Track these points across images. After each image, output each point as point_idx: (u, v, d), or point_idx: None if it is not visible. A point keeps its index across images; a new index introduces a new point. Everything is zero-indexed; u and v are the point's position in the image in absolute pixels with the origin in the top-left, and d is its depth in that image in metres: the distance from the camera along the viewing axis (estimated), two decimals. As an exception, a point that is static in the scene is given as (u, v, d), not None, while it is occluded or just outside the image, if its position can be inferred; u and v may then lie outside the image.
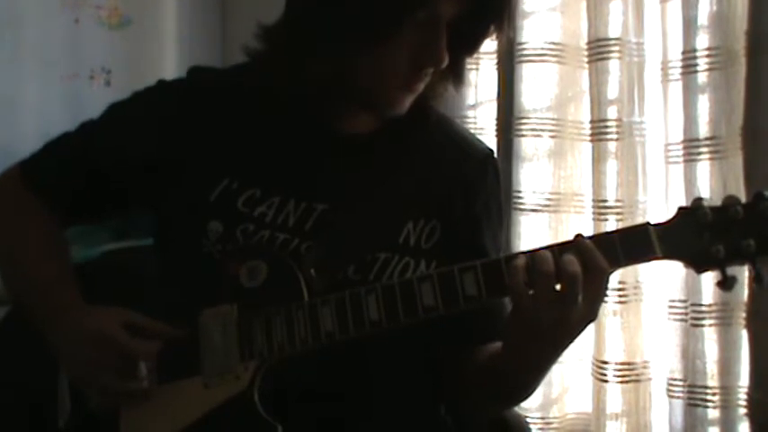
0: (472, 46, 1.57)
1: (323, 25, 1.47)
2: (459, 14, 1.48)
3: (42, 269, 1.60)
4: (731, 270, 1.37)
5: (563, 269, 1.34)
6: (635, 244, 1.37)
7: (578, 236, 1.39)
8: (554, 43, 2.41)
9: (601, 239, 1.38)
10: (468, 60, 1.60)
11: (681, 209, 1.39)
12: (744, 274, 1.47)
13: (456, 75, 1.58)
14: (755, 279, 1.36)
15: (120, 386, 1.48)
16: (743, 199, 2.02)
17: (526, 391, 1.56)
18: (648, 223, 1.39)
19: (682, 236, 1.37)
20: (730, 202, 1.38)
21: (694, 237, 1.37)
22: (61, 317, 1.52)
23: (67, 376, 1.55)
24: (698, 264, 1.38)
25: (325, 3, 1.48)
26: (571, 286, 1.34)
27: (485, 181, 1.66)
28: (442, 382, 1.65)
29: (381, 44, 1.46)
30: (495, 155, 1.74)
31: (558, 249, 1.37)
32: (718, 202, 2.04)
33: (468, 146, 1.68)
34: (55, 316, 1.53)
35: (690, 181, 2.12)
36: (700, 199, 1.39)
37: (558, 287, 1.35)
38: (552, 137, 2.42)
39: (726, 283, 1.37)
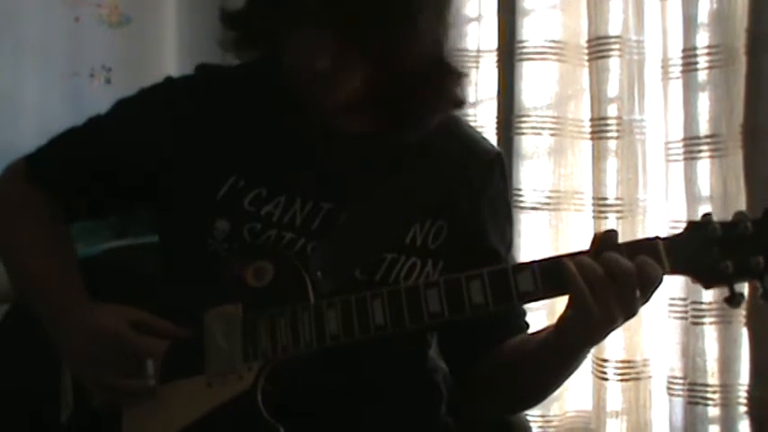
0: (377, 51, 1.47)
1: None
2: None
3: (47, 265, 1.60)
4: (738, 286, 1.37)
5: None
6: None
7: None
8: (554, 41, 2.41)
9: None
10: (467, 56, 1.59)
11: (690, 223, 1.40)
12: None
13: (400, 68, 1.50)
14: (763, 296, 1.36)
15: (124, 384, 1.48)
16: (743, 196, 2.05)
17: (557, 383, 1.56)
18: (658, 237, 1.39)
19: (690, 250, 1.38)
20: (740, 218, 1.38)
21: (703, 252, 1.37)
22: (66, 313, 1.52)
23: (71, 373, 1.55)
24: (706, 279, 1.39)
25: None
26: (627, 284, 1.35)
27: (491, 181, 1.65)
28: (458, 382, 1.65)
29: (270, 51, 1.50)
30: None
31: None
32: (718, 200, 2.07)
33: (474, 145, 1.67)
34: (60, 312, 1.53)
35: (690, 179, 2.12)
36: (708, 214, 1.39)
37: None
38: (552, 135, 2.42)
39: (734, 300, 1.38)
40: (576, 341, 1.43)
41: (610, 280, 1.35)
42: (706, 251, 1.37)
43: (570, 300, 1.38)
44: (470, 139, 1.68)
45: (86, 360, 1.50)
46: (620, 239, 1.41)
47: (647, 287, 1.36)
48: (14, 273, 1.66)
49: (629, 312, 1.37)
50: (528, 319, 1.64)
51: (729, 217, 1.39)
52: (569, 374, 1.51)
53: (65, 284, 1.57)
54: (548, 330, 1.48)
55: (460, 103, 1.60)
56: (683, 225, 2.07)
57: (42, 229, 1.63)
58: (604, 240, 1.39)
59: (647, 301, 1.38)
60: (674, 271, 1.38)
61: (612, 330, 1.40)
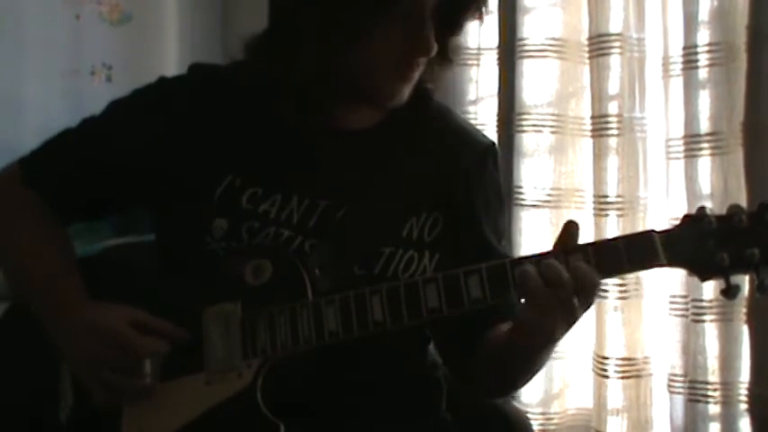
0: (456, 28, 1.58)
1: (306, 23, 1.49)
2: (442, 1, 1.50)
3: (45, 265, 1.60)
4: (734, 278, 1.38)
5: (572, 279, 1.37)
6: (639, 251, 1.38)
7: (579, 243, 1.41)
8: (555, 39, 2.41)
9: (605, 246, 1.40)
10: (468, 54, 1.61)
11: (686, 216, 1.40)
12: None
13: (443, 57, 1.58)
14: (758, 288, 1.37)
15: (123, 383, 1.48)
16: (744, 193, 2.05)
17: (530, 374, 1.58)
18: (653, 231, 1.40)
19: (686, 243, 1.38)
20: (734, 211, 1.38)
21: (699, 245, 1.38)
22: (65, 313, 1.52)
23: (71, 372, 1.55)
24: (702, 271, 1.39)
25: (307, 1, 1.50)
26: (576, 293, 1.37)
27: (484, 172, 1.66)
28: (456, 371, 1.67)
29: (367, 38, 1.47)
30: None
31: (564, 255, 1.39)
32: (719, 198, 2.07)
33: (467, 137, 1.69)
34: (59, 312, 1.53)
35: (690, 177, 2.12)
36: (703, 207, 1.40)
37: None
38: (553, 132, 2.42)
39: (730, 292, 1.38)
40: (527, 342, 1.45)
41: (548, 288, 1.36)
42: (702, 244, 1.38)
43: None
44: (463, 131, 1.69)
45: (86, 359, 1.50)
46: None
47: (585, 294, 1.37)
48: (13, 273, 1.66)
49: (570, 319, 1.39)
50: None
51: (729, 214, 1.39)
52: (540, 365, 1.54)
53: (64, 284, 1.57)
54: (509, 328, 1.50)
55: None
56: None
57: (40, 230, 1.63)
58: (567, 241, 1.41)
59: (587, 307, 1.39)
60: (670, 264, 1.39)
61: (558, 335, 1.42)
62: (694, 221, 1.39)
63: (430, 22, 1.49)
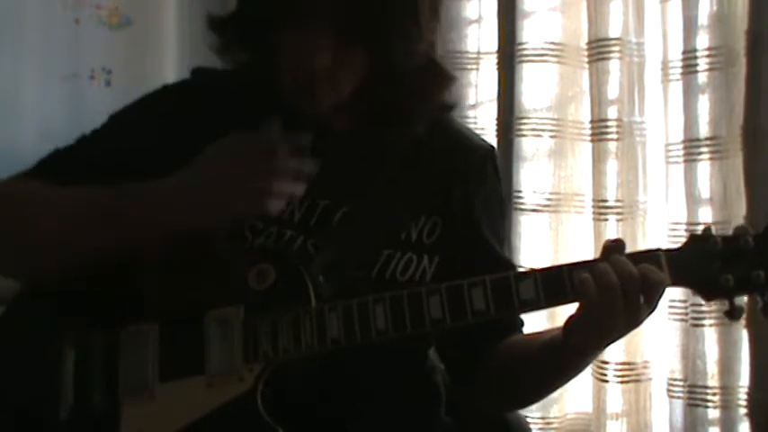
0: (367, 36, 1.49)
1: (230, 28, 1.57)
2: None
3: (79, 192, 1.53)
4: (738, 300, 1.39)
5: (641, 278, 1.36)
6: None
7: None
8: (554, 43, 2.42)
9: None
10: (467, 58, 1.61)
11: (692, 236, 1.41)
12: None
13: (391, 67, 1.52)
14: (762, 310, 1.38)
15: (277, 178, 1.45)
16: (743, 198, 2.05)
17: (558, 384, 1.58)
18: (660, 249, 1.40)
19: (692, 263, 1.39)
20: (741, 232, 1.39)
21: (704, 265, 1.38)
22: (140, 192, 1.48)
23: (187, 223, 1.48)
24: (707, 292, 1.40)
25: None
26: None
27: (484, 176, 1.67)
28: (455, 382, 1.67)
29: (266, 49, 1.50)
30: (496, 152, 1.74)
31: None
32: (718, 202, 2.07)
33: (467, 142, 1.69)
34: (146, 191, 1.49)
35: (690, 181, 2.13)
36: (709, 228, 1.41)
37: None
38: (552, 137, 2.43)
39: (734, 313, 1.40)
40: (580, 343, 1.43)
41: (618, 283, 1.35)
42: (707, 264, 1.38)
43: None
44: (463, 136, 1.70)
45: (219, 176, 1.46)
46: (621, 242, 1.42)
47: (651, 293, 1.36)
48: (42, 229, 1.55)
49: (633, 319, 1.38)
50: (524, 318, 1.65)
51: (729, 218, 1.40)
52: (571, 377, 1.52)
53: (113, 189, 1.51)
54: (554, 331, 1.48)
55: (448, 106, 1.63)
56: (683, 227, 2.08)
57: (53, 191, 1.57)
58: (613, 249, 1.40)
59: (651, 309, 1.38)
60: (675, 283, 1.39)
61: (617, 336, 1.41)
62: (700, 242, 1.40)
63: (314, 32, 1.46)
